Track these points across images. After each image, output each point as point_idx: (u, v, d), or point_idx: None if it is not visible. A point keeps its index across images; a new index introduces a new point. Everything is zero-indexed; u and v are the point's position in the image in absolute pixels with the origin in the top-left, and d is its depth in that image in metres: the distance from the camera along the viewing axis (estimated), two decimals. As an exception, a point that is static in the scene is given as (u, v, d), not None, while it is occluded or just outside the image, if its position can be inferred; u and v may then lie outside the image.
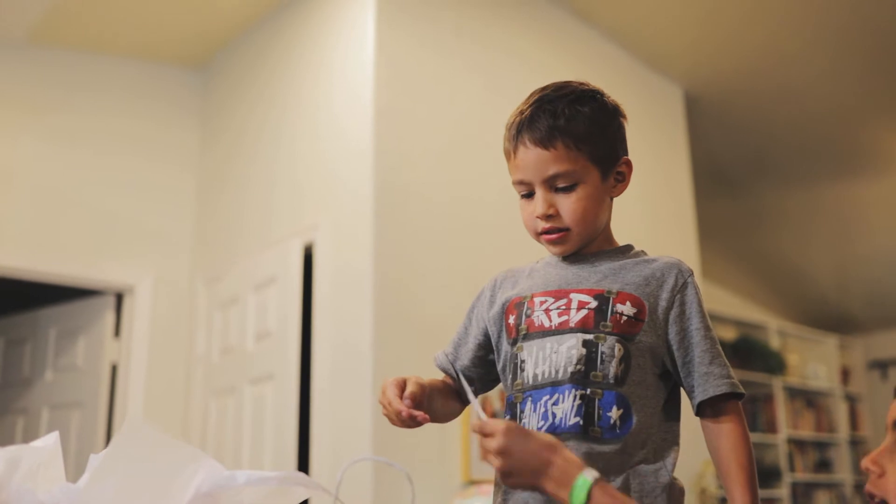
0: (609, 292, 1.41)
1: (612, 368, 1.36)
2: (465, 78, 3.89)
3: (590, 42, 4.44)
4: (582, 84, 1.46)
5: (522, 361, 1.42)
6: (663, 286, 1.42)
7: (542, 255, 1.54)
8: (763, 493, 5.60)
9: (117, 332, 4.34)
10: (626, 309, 1.39)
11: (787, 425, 6.08)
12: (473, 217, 3.66)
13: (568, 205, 1.39)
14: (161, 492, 1.12)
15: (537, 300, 1.45)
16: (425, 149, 3.64)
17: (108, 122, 4.45)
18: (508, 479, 1.20)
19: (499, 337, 1.50)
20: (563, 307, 1.42)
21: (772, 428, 5.92)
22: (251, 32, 4.42)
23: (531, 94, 1.45)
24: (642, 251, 1.50)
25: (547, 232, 1.42)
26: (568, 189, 1.39)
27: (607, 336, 1.38)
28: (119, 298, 4.37)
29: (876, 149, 5.17)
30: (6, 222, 4.07)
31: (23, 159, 4.18)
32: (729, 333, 5.97)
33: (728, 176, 5.62)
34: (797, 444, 6.21)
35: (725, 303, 6.28)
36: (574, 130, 1.38)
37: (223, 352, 4.06)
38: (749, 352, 5.92)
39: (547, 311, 1.43)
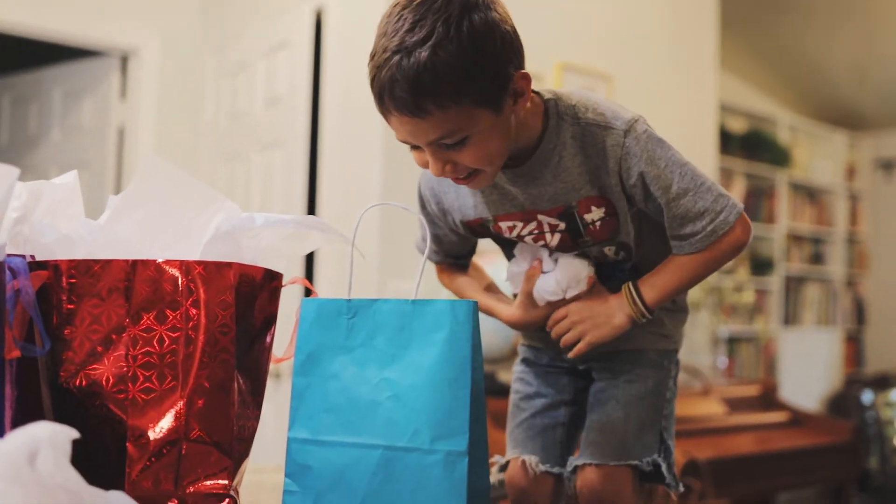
0: (570, 207, 1.33)
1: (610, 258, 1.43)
2: None
3: None
4: None
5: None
6: (609, 169, 1.30)
7: None
8: (756, 281, 5.74)
9: (123, 94, 4.29)
10: (595, 215, 1.34)
11: (788, 217, 6.15)
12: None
13: (464, 158, 1.21)
14: (182, 229, 1.13)
15: (504, 225, 1.39)
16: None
17: None
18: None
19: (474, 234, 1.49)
20: (536, 231, 1.38)
21: (771, 219, 5.99)
22: None
23: (384, 27, 1.16)
24: (556, 113, 1.31)
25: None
26: (458, 144, 1.19)
27: (592, 247, 1.40)
28: (124, 61, 4.29)
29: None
30: (6, -26, 3.93)
31: None
32: (739, 125, 5.92)
33: (755, -40, 5.39)
34: (794, 238, 6.31)
35: (739, 93, 6.18)
36: (446, 87, 1.13)
37: (232, 118, 4.04)
38: (757, 144, 5.90)
39: (519, 237, 1.41)
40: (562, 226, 1.36)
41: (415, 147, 1.25)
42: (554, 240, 1.38)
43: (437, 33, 1.11)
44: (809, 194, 6.50)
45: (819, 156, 6.60)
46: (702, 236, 1.30)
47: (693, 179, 1.29)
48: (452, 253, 1.53)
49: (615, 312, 1.34)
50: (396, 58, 1.12)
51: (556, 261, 1.39)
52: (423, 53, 1.11)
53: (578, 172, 1.31)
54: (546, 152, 1.30)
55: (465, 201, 1.40)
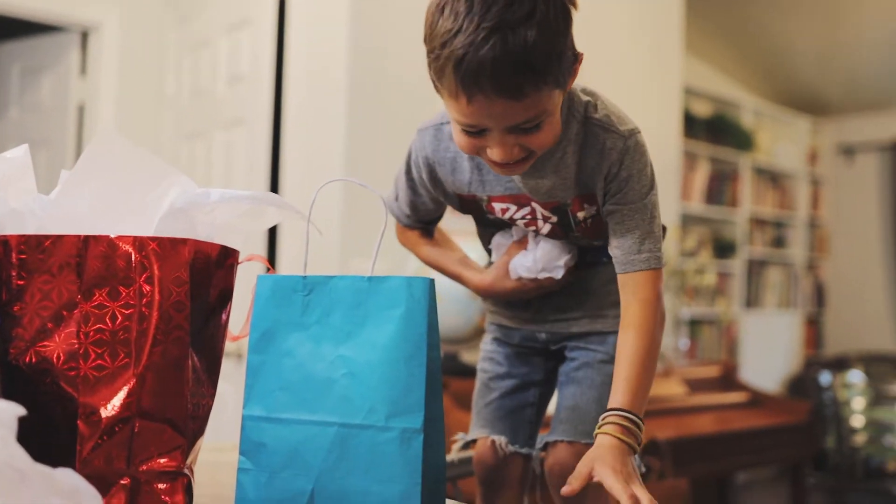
0: (564, 204, 1.33)
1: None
2: None
3: None
4: None
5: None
6: (601, 170, 1.28)
7: None
8: (718, 264, 5.79)
9: (83, 71, 4.22)
10: (586, 213, 1.34)
11: (751, 201, 6.20)
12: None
13: (534, 140, 1.17)
14: (135, 204, 1.11)
15: (497, 207, 1.37)
16: None
17: None
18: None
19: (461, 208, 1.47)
20: (529, 217, 1.37)
21: (734, 203, 6.05)
22: None
23: (463, 5, 1.07)
24: (569, 108, 1.26)
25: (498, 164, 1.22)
26: (535, 128, 1.15)
27: (582, 241, 1.41)
28: (84, 37, 4.22)
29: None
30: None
31: None
32: (704, 109, 5.96)
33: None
34: (757, 222, 6.38)
35: (704, 77, 6.22)
36: (544, 68, 1.09)
37: (194, 95, 3.99)
38: (721, 128, 5.95)
39: (511, 220, 1.39)
40: (554, 219, 1.36)
41: (474, 133, 1.16)
42: (545, 228, 1.38)
43: (540, 10, 1.06)
44: (772, 178, 6.57)
45: (782, 140, 6.66)
46: (644, 258, 1.28)
47: (655, 208, 1.30)
48: (424, 219, 1.52)
49: (613, 446, 1.18)
50: (497, 36, 1.04)
51: (538, 242, 1.40)
52: (531, 32, 1.05)
53: (576, 171, 1.29)
54: (551, 146, 1.26)
55: (459, 177, 1.36)
